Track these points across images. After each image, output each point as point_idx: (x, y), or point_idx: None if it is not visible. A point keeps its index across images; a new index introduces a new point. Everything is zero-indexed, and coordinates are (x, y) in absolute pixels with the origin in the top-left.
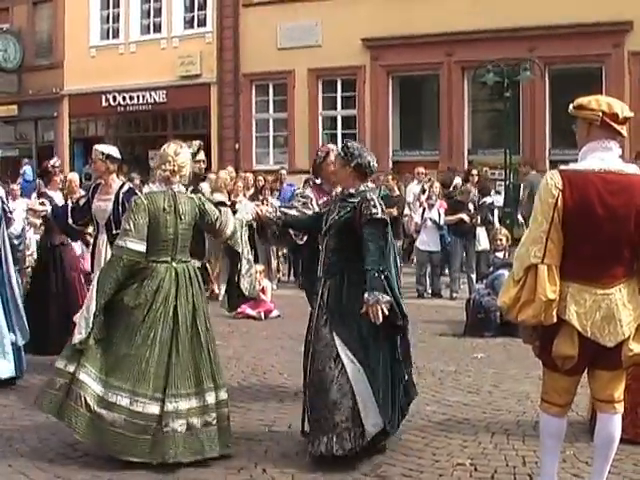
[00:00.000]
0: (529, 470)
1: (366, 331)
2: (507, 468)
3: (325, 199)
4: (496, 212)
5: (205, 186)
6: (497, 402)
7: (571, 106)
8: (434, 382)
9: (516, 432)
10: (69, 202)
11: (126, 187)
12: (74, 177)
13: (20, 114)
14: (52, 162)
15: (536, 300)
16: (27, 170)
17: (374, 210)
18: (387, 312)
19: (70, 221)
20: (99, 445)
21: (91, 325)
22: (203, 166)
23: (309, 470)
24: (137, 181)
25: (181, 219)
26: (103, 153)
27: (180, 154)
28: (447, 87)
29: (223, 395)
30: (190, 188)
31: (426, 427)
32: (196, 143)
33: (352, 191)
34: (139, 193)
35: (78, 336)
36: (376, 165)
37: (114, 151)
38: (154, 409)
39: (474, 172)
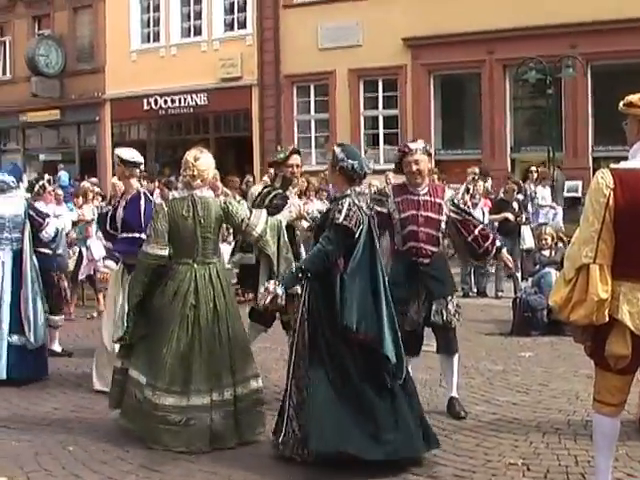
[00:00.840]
0: (582, 469)
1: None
2: (560, 467)
3: (400, 198)
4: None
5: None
6: (547, 401)
7: (621, 103)
8: (483, 382)
9: (567, 431)
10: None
11: (134, 193)
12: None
13: (62, 119)
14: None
15: (588, 300)
16: (62, 176)
17: (337, 215)
18: (281, 303)
19: (107, 227)
20: (143, 434)
21: (126, 324)
22: (297, 170)
23: (360, 474)
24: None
25: (200, 223)
26: (119, 157)
27: (200, 159)
28: (488, 85)
29: (241, 390)
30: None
31: (477, 427)
32: (289, 148)
33: (338, 194)
34: (151, 199)
35: (116, 335)
36: (365, 168)
37: (131, 155)
38: (170, 401)
39: (532, 169)
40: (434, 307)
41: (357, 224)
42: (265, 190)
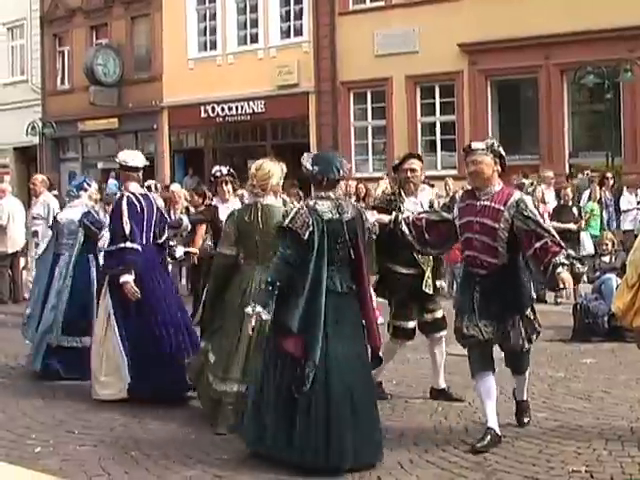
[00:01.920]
0: None
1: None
2: (623, 475)
3: (463, 204)
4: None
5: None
6: (609, 408)
7: None
8: (544, 388)
9: (630, 439)
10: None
11: (118, 197)
12: (176, 188)
13: (120, 127)
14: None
15: None
16: (111, 185)
17: (285, 219)
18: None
19: None
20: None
21: (201, 313)
22: (411, 175)
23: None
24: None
25: (260, 229)
26: (117, 161)
27: (260, 169)
28: (546, 90)
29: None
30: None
31: (539, 434)
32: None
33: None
34: (136, 200)
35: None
36: (331, 174)
37: (131, 159)
38: (224, 387)
39: (609, 175)
40: (496, 327)
41: (303, 226)
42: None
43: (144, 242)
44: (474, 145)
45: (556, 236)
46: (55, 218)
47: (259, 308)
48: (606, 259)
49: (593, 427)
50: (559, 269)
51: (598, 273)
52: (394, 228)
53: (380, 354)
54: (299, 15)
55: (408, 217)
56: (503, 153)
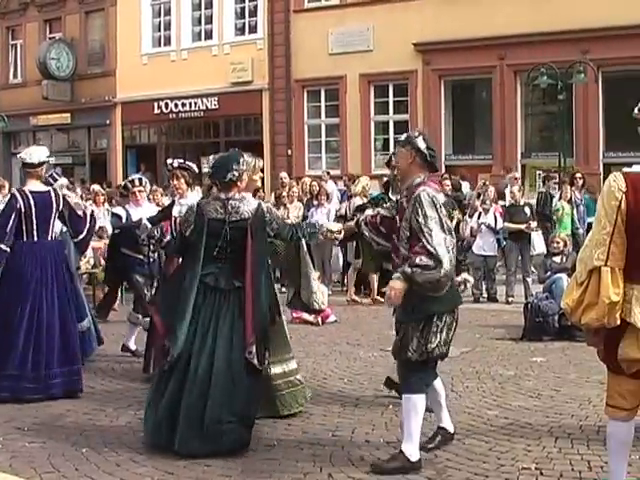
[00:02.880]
0: (595, 475)
1: None
2: (573, 472)
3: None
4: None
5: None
6: (559, 406)
7: (636, 109)
8: (494, 386)
9: (580, 436)
10: None
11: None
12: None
13: (73, 122)
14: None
15: (599, 302)
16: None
17: None
18: None
19: None
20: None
21: None
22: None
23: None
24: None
25: None
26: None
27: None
28: (500, 91)
29: None
30: None
31: (489, 431)
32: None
33: None
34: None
35: None
36: (221, 176)
37: (28, 156)
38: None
39: (578, 175)
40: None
41: (185, 224)
42: None
43: (27, 239)
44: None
45: (428, 246)
46: None
47: None
48: (557, 259)
49: (543, 425)
50: (395, 275)
51: (549, 273)
52: (359, 231)
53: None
54: (254, 12)
55: (366, 217)
56: (421, 146)
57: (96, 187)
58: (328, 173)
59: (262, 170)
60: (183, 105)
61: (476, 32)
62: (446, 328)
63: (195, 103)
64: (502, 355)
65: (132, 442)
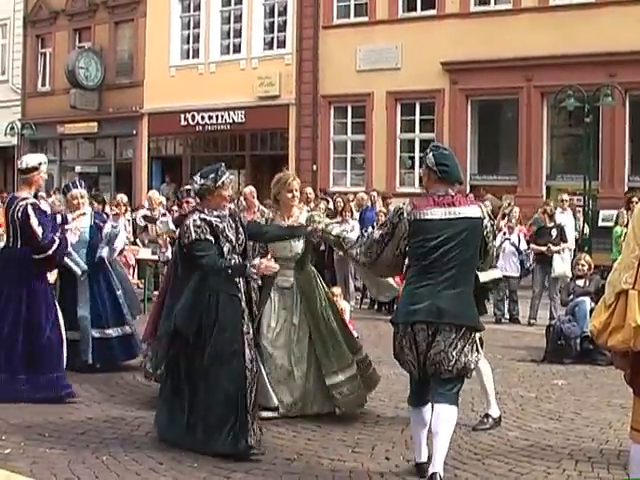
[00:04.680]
0: None
1: None
2: None
3: None
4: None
5: None
6: (579, 429)
7: None
8: (515, 408)
9: (600, 460)
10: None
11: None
12: (154, 194)
13: (100, 131)
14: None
15: (625, 326)
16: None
17: None
18: None
19: None
20: None
21: None
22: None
23: None
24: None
25: None
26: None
27: None
28: (526, 112)
29: None
30: None
31: (509, 453)
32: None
33: None
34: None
35: None
36: (202, 191)
37: (20, 162)
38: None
39: (635, 199)
40: None
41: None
42: None
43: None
44: None
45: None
46: None
47: None
48: (580, 282)
49: (563, 447)
50: None
51: (571, 296)
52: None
53: None
54: (283, 27)
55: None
56: (430, 163)
57: (124, 197)
58: (379, 193)
59: None
60: (210, 118)
61: (504, 53)
62: None
63: (222, 116)
64: (523, 377)
65: (153, 452)
